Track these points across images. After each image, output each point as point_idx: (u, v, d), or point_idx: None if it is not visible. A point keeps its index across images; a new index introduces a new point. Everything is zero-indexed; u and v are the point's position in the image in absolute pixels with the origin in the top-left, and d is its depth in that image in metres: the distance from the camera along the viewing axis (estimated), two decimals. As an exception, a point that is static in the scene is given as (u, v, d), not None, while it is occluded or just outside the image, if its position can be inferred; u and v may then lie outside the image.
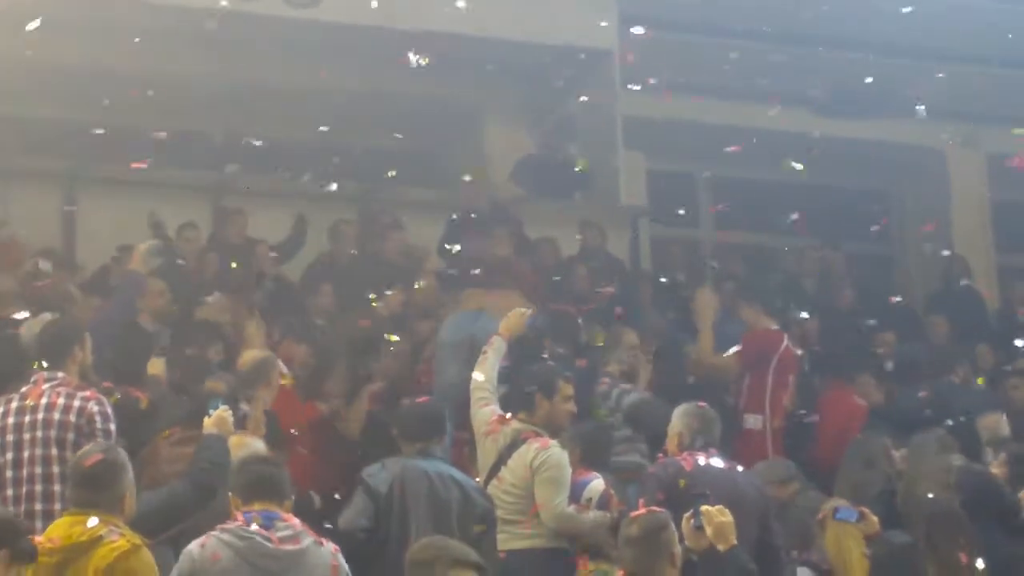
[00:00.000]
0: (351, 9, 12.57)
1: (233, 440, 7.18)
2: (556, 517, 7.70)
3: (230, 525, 6.19)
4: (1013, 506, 8.14)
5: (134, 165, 11.59)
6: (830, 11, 13.33)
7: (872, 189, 16.08)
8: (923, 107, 13.06)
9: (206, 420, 7.12)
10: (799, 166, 12.02)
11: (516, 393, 8.25)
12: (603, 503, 7.85)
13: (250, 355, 8.87)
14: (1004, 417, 10.29)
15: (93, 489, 6.15)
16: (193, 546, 6.17)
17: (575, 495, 7.84)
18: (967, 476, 8.36)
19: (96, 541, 5.97)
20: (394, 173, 12.37)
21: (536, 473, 7.77)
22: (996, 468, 8.67)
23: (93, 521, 5.99)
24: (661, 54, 12.77)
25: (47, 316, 8.30)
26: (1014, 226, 15.62)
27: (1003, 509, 8.14)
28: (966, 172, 15.76)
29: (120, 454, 6.34)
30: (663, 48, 12.97)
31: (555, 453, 7.84)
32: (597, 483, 7.95)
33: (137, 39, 11.73)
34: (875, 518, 7.65)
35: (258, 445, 7.29)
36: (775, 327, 10.87)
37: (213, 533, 6.17)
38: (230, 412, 7.15)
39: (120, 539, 5.97)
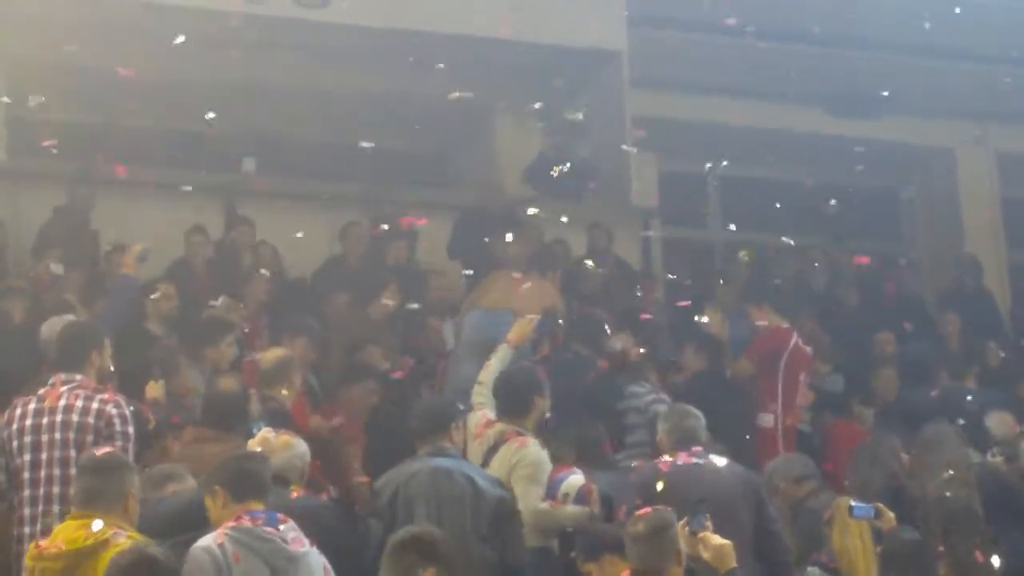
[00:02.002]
0: (361, 10, 12.58)
1: (280, 440, 7.16)
2: (530, 513, 7.66)
3: (241, 524, 6.10)
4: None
5: (145, 167, 11.61)
6: (841, 10, 13.33)
7: (882, 188, 16.09)
8: None
9: (251, 441, 7.08)
10: None
11: (514, 397, 8.20)
12: (582, 498, 7.83)
13: (272, 353, 8.89)
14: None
15: (101, 478, 6.14)
16: (208, 544, 6.04)
17: (551, 492, 7.83)
18: (985, 474, 8.37)
19: (103, 544, 5.95)
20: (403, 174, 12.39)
21: (513, 471, 7.79)
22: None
23: (98, 524, 5.95)
24: (671, 54, 12.80)
25: (69, 317, 8.31)
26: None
27: (1020, 509, 8.15)
28: (976, 170, 15.76)
29: (129, 457, 6.41)
30: (673, 48, 12.99)
31: (532, 451, 7.86)
32: (575, 478, 7.93)
33: (148, 41, 11.74)
34: (891, 514, 7.64)
35: (302, 446, 7.29)
36: (785, 325, 10.86)
37: (225, 532, 6.08)
38: (273, 433, 7.12)
39: (126, 540, 5.94)
